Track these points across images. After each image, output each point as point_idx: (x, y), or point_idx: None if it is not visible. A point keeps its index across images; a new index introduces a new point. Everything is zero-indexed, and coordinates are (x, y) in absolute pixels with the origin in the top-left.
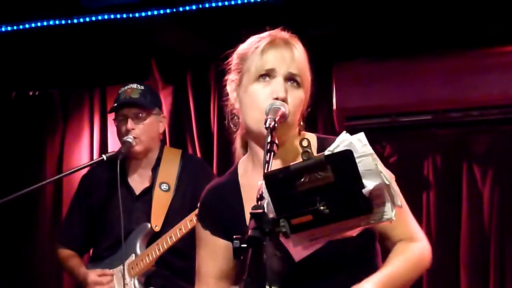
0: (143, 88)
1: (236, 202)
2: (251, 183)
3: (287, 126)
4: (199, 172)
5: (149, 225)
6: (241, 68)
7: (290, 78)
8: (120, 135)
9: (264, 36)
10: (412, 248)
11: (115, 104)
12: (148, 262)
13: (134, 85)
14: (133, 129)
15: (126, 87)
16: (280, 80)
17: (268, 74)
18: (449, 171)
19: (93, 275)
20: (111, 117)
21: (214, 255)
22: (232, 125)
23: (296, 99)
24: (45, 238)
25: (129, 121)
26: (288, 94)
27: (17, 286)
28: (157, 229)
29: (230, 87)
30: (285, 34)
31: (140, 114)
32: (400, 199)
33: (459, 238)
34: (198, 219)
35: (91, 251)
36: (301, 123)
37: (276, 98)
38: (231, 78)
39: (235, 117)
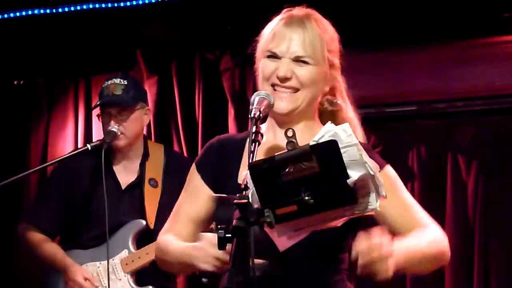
0: (126, 83)
1: (236, 158)
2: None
3: (302, 98)
4: (181, 170)
5: (144, 222)
6: (259, 46)
7: (298, 59)
8: (105, 130)
9: (282, 17)
10: (428, 229)
11: (98, 102)
12: (148, 260)
13: (118, 80)
14: (116, 126)
15: (109, 82)
16: (286, 61)
17: (275, 56)
18: (434, 162)
19: (79, 275)
20: (95, 110)
21: (195, 199)
22: None
23: (305, 74)
24: None
25: (112, 119)
26: (295, 71)
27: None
28: (152, 226)
29: (256, 61)
30: (304, 11)
31: (123, 112)
32: (385, 189)
33: (443, 228)
34: (195, 161)
35: (70, 238)
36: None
37: (278, 78)
38: (257, 53)
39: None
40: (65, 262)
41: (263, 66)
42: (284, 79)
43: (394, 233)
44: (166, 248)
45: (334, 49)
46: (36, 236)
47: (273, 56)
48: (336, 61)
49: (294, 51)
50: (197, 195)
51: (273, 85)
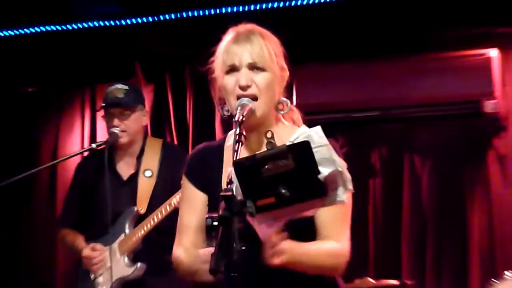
0: (127, 88)
1: (217, 164)
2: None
3: (262, 106)
4: (177, 159)
5: (135, 208)
6: (216, 65)
7: (253, 67)
8: (108, 128)
9: (230, 37)
10: (332, 244)
11: (103, 104)
12: (135, 240)
13: (120, 85)
14: (119, 125)
15: (112, 88)
16: (244, 71)
17: (233, 69)
18: (393, 161)
19: (86, 250)
20: (99, 112)
21: (194, 207)
22: (220, 109)
23: (262, 81)
24: (40, 220)
25: (115, 119)
26: (254, 79)
27: (13, 270)
28: (142, 211)
29: (216, 79)
30: (247, 27)
31: (125, 112)
32: (351, 186)
33: (401, 219)
34: (184, 173)
35: (87, 229)
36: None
37: (240, 87)
38: (215, 72)
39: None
40: (78, 247)
41: (225, 83)
42: (245, 87)
43: (316, 231)
44: (177, 266)
45: (279, 52)
46: (62, 232)
47: (232, 69)
48: (283, 63)
49: (247, 60)
50: (194, 203)
51: (238, 98)
